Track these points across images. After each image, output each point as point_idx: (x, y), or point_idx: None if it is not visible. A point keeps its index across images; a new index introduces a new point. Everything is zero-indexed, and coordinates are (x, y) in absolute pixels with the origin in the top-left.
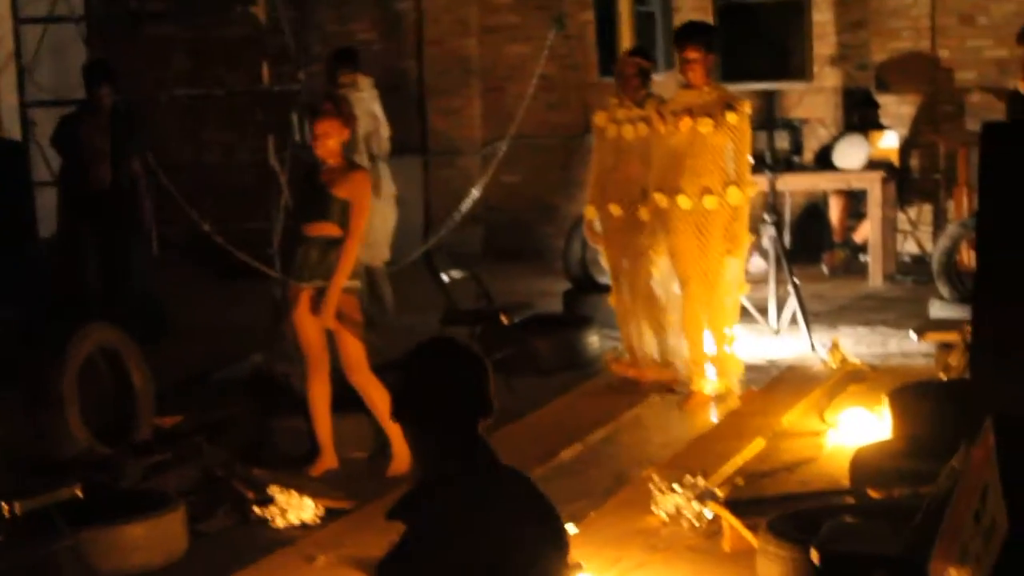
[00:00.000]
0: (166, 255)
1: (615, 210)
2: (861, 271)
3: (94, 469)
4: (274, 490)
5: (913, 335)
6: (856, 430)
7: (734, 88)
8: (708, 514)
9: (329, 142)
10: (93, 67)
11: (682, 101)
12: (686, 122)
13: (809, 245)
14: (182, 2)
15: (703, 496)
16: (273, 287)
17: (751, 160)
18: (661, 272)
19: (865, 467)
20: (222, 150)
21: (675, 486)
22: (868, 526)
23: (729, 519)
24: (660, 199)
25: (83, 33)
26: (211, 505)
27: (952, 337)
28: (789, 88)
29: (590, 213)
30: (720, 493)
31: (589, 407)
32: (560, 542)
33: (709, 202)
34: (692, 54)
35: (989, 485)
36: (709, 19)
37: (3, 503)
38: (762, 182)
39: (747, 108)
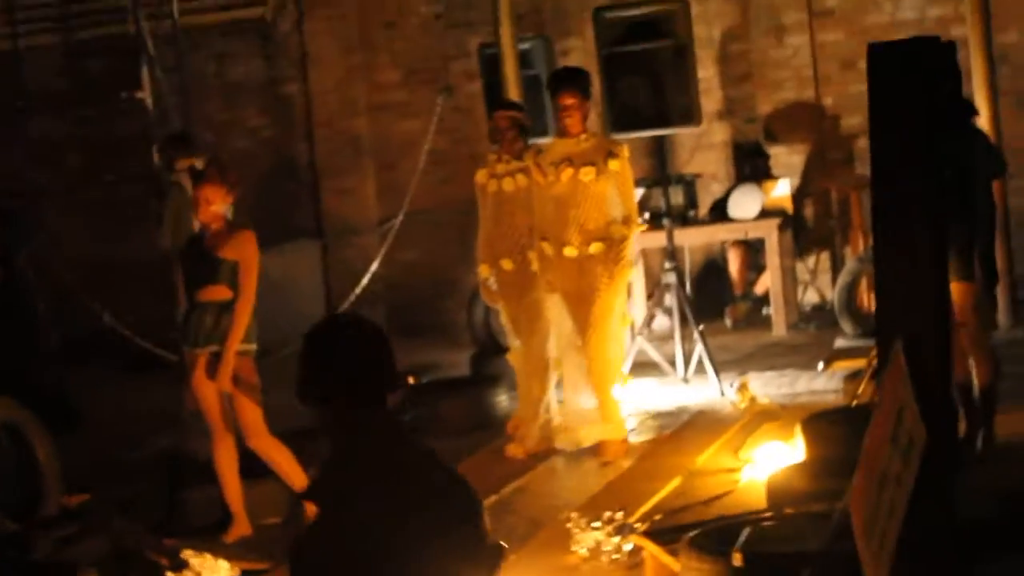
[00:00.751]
0: (70, 351)
1: (506, 264)
2: (764, 323)
3: (2, 543)
4: (188, 554)
5: (820, 365)
6: (772, 463)
7: (622, 137)
8: (628, 547)
9: (212, 207)
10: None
11: (560, 151)
12: (567, 172)
13: (711, 301)
14: (67, 97)
15: (622, 530)
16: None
17: (636, 200)
18: (555, 320)
19: (780, 489)
20: (118, 241)
21: (594, 523)
22: (787, 529)
23: (649, 547)
24: (546, 247)
25: None
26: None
27: (859, 364)
28: (679, 142)
29: (483, 272)
30: (639, 527)
31: (499, 463)
32: (468, 514)
33: (595, 248)
34: (567, 100)
35: (904, 405)
36: (594, 71)
37: None
38: (660, 237)
39: (626, 151)
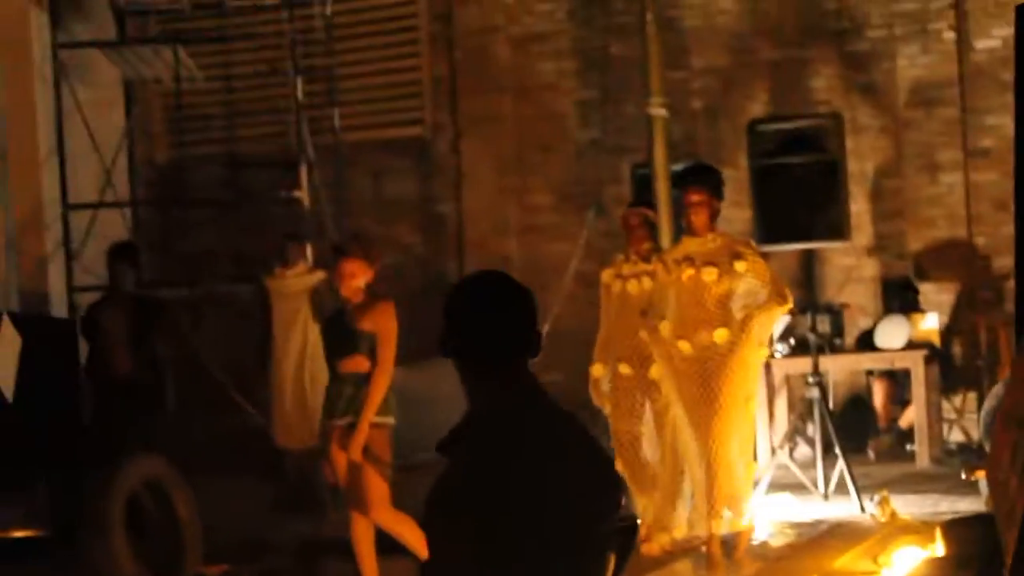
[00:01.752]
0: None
1: (624, 369)
2: (908, 457)
3: None
4: None
5: (963, 473)
6: (910, 567)
7: (771, 250)
8: None
9: (354, 282)
10: (115, 249)
11: (684, 249)
12: (688, 272)
13: (854, 433)
14: (226, 189)
15: None
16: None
17: (783, 296)
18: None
19: None
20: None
21: None
22: None
23: None
24: (683, 346)
25: (127, 220)
26: None
27: None
28: (829, 276)
29: (596, 371)
30: None
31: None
32: (609, 486)
33: (719, 335)
34: (695, 196)
35: None
36: (744, 179)
37: None
38: (805, 363)
39: (754, 249)
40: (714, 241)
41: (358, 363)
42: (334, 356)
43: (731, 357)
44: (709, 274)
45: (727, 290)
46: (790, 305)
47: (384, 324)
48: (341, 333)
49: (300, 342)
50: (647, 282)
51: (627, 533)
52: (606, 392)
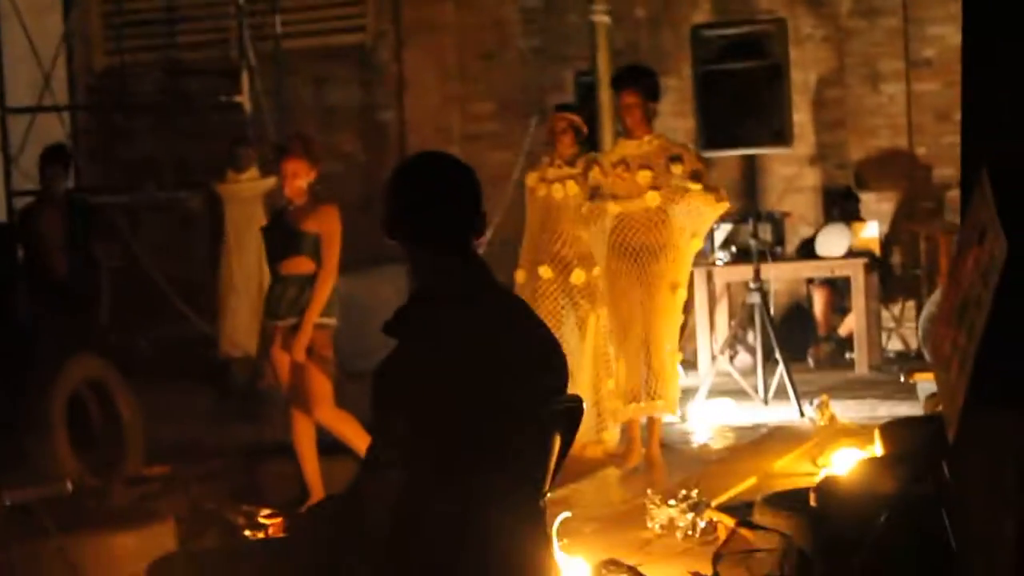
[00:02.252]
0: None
1: (545, 272)
2: (847, 365)
3: (83, 496)
4: (265, 514)
5: (901, 376)
6: (849, 467)
7: (714, 156)
8: (702, 524)
9: (297, 181)
10: (48, 152)
11: (620, 152)
12: (644, 174)
13: (794, 342)
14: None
15: (697, 507)
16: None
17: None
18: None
19: (855, 478)
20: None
21: (669, 501)
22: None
23: (723, 519)
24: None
25: (66, 126)
26: (201, 530)
27: None
28: (770, 184)
29: (519, 276)
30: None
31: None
32: (557, 366)
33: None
34: (629, 98)
35: (987, 224)
36: (689, 90)
37: None
38: (746, 271)
39: (693, 152)
40: (650, 143)
41: (301, 264)
42: (276, 257)
43: (668, 250)
44: (643, 177)
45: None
46: (726, 204)
47: (329, 226)
48: (284, 234)
49: (256, 248)
50: (572, 186)
51: (572, 414)
52: (528, 297)
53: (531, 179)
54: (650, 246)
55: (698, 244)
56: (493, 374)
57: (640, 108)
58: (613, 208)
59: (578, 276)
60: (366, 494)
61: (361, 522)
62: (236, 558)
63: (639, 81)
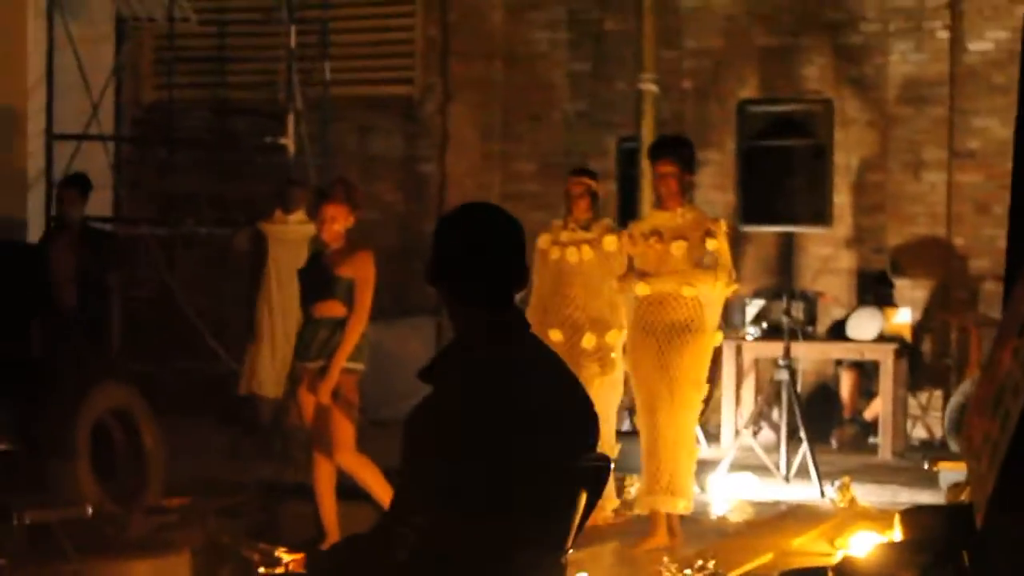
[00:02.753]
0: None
1: (555, 335)
2: (870, 449)
3: (102, 522)
4: (281, 554)
5: (925, 464)
6: (867, 550)
7: (753, 230)
8: None
9: (335, 226)
10: (66, 179)
11: (652, 222)
12: (656, 246)
13: (818, 423)
14: (211, 133)
15: None
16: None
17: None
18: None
19: (873, 562)
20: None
21: (685, 570)
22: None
23: None
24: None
25: (110, 156)
26: (216, 565)
27: (963, 467)
28: (805, 264)
29: None
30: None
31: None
32: (588, 423)
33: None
34: (664, 168)
35: None
36: (729, 161)
37: (13, 512)
38: (775, 347)
39: (724, 227)
40: (683, 216)
41: (333, 308)
42: (310, 300)
43: (690, 339)
44: (679, 248)
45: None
46: (735, 287)
47: (363, 271)
48: (319, 277)
49: (296, 289)
50: (587, 250)
51: (599, 473)
52: None
53: (544, 241)
54: (676, 326)
55: (719, 337)
56: (525, 426)
57: (676, 179)
58: (643, 289)
59: (589, 340)
60: (390, 536)
61: (382, 564)
62: None
63: (677, 151)
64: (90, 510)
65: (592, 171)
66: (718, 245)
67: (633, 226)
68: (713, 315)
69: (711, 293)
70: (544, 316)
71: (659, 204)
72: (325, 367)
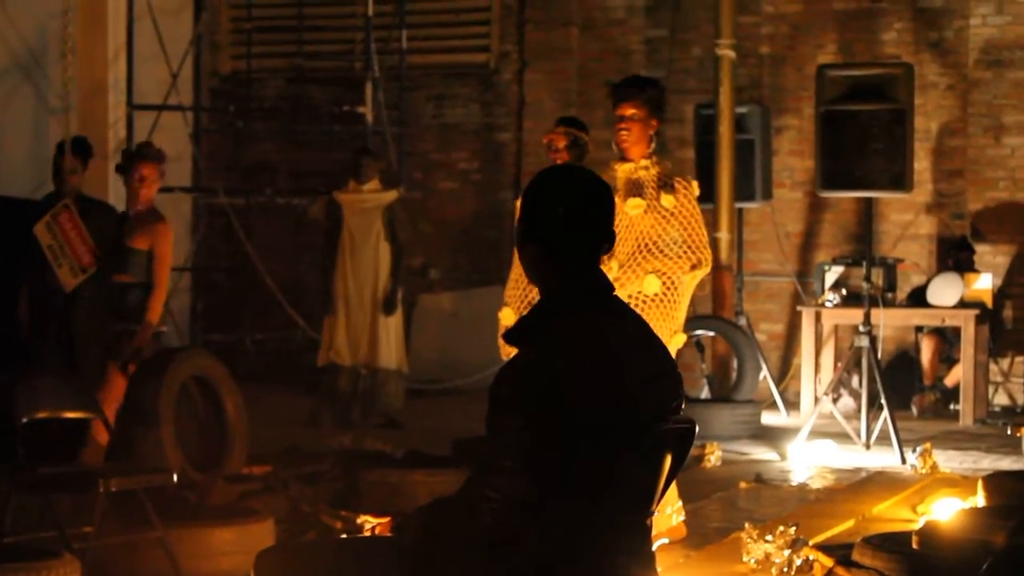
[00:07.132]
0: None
1: None
2: (951, 416)
3: (184, 490)
4: (364, 520)
5: (1008, 429)
6: (949, 516)
7: (831, 196)
8: (798, 562)
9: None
10: (65, 144)
11: (608, 176)
12: (635, 203)
13: (899, 390)
14: (288, 102)
15: (794, 544)
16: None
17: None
18: None
19: (956, 527)
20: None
21: (767, 536)
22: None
23: (821, 557)
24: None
25: (189, 124)
26: (298, 532)
27: None
28: (885, 231)
29: (506, 317)
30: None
31: None
32: (674, 386)
33: (649, 285)
34: (628, 110)
35: None
36: (807, 127)
37: (99, 478)
38: (856, 315)
39: (693, 188)
40: (647, 169)
41: None
42: None
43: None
44: (635, 206)
45: (650, 229)
46: (706, 270)
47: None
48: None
49: (371, 258)
50: None
51: (684, 436)
52: None
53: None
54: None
55: (681, 339)
56: (611, 388)
57: (639, 123)
58: (609, 271)
59: None
60: (475, 499)
61: (469, 527)
62: (343, 552)
63: (644, 91)
64: (175, 477)
65: (579, 120)
66: (677, 204)
67: None
68: (679, 317)
69: (680, 286)
70: (524, 293)
71: (621, 155)
72: None
